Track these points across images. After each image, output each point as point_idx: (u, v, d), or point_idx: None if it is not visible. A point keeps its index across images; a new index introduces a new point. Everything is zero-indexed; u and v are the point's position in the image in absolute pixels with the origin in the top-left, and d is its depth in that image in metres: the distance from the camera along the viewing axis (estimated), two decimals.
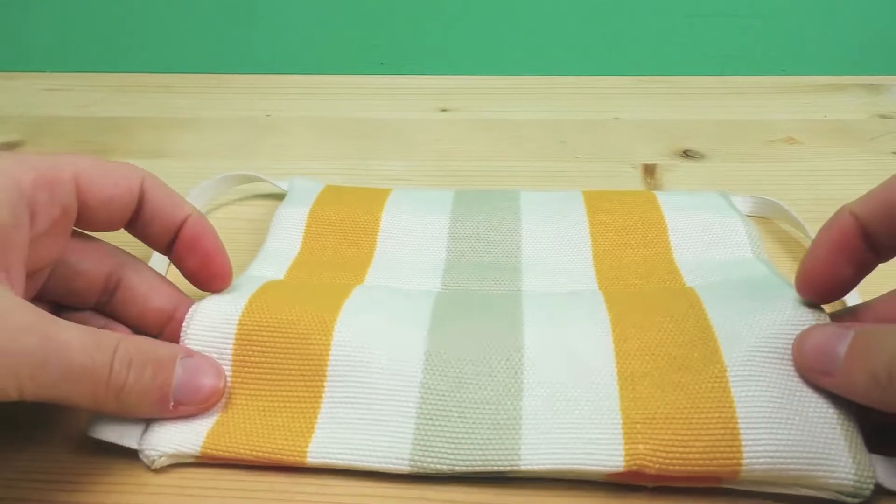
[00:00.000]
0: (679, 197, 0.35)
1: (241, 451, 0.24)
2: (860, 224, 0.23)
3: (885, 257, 0.24)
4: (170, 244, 0.27)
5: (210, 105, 0.49)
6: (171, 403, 0.23)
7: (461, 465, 0.23)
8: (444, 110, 0.48)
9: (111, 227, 0.26)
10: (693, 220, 0.33)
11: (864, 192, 0.38)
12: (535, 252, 0.32)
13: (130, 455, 0.24)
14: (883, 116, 0.46)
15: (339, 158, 0.43)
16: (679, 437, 0.22)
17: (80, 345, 0.21)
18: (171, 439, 0.24)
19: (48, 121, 0.47)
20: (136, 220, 0.26)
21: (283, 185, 0.37)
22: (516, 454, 0.23)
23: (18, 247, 0.22)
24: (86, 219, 0.25)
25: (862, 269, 0.24)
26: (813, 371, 0.23)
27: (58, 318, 0.21)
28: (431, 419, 0.24)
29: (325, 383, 0.25)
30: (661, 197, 0.35)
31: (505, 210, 0.34)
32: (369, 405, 0.24)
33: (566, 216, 0.34)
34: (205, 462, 0.24)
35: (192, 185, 0.37)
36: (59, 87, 0.51)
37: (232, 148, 0.44)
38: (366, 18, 0.51)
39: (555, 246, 0.32)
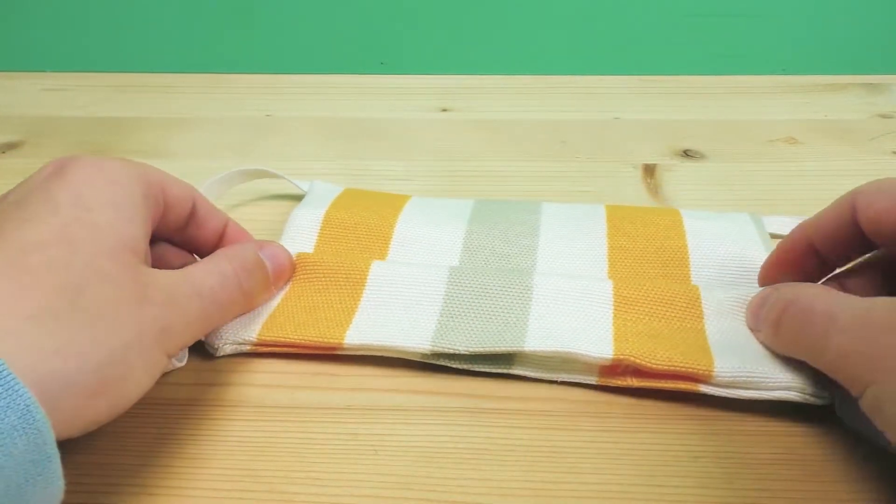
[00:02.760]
0: (706, 222, 0.33)
1: (290, 337, 0.28)
2: (809, 241, 0.27)
3: (829, 270, 0.28)
4: (214, 247, 0.30)
5: (210, 105, 0.49)
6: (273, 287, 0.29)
7: (475, 347, 0.27)
8: (444, 110, 0.48)
9: (174, 229, 0.28)
10: (717, 252, 0.32)
11: None
12: (549, 271, 0.31)
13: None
14: (883, 116, 0.46)
15: (339, 158, 0.43)
16: (661, 346, 0.26)
17: (219, 286, 0.25)
18: (232, 332, 0.28)
19: (48, 121, 0.47)
20: (188, 226, 0.29)
21: (304, 186, 0.37)
22: (522, 339, 0.27)
23: (147, 237, 0.25)
24: (161, 220, 0.27)
25: (808, 278, 0.28)
26: (751, 328, 0.28)
27: (189, 270, 0.25)
28: (452, 317, 0.28)
29: (363, 291, 0.29)
30: (687, 221, 0.33)
31: (524, 224, 0.33)
32: (399, 307, 0.29)
33: (585, 237, 0.33)
34: (260, 351, 0.28)
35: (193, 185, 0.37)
36: (59, 87, 0.51)
37: (232, 148, 0.44)
38: (366, 18, 0.51)
39: (569, 269, 0.31)
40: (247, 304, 0.28)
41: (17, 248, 0.20)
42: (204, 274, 0.25)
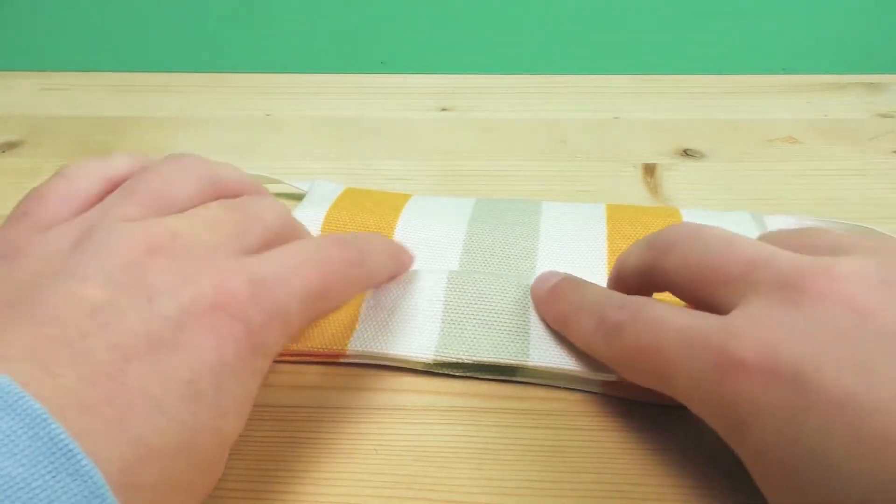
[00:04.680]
0: (707, 222, 0.33)
1: (292, 347, 0.28)
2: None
3: None
4: None
5: (210, 104, 0.49)
6: None
7: (478, 357, 0.27)
8: (444, 110, 0.48)
9: None
10: None
11: (864, 191, 0.38)
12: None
13: None
14: (883, 116, 0.46)
15: (339, 158, 0.43)
16: None
17: None
18: None
19: (48, 121, 0.47)
20: None
21: (304, 186, 0.37)
22: (525, 352, 0.27)
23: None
24: None
25: None
26: None
27: None
28: (454, 325, 0.28)
29: (363, 299, 0.29)
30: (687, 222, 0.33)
31: (523, 225, 0.33)
32: (400, 316, 0.29)
33: (585, 239, 0.33)
34: None
35: None
36: (59, 86, 0.51)
37: (232, 147, 0.44)
38: (366, 18, 0.51)
39: (569, 272, 0.31)
40: None
41: None
42: None
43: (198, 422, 0.17)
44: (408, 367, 0.28)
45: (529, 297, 0.29)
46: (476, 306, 0.29)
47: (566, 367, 0.26)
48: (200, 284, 0.18)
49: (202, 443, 0.17)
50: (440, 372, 0.28)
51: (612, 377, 0.26)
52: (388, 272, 0.27)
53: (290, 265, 0.21)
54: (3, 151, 0.44)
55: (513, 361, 0.27)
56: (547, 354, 0.27)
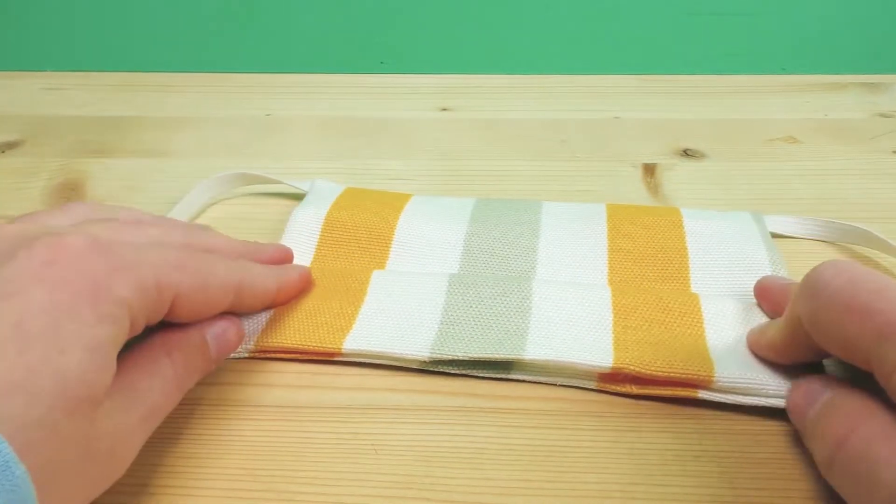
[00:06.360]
0: (706, 222, 0.33)
1: (288, 343, 0.28)
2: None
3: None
4: None
5: (210, 104, 0.49)
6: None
7: (474, 353, 0.27)
8: (444, 109, 0.48)
9: None
10: (717, 254, 0.32)
11: (864, 191, 0.38)
12: (548, 275, 0.31)
13: None
14: (883, 115, 0.46)
15: (339, 158, 0.43)
16: (661, 353, 0.26)
17: (159, 392, 0.23)
18: None
19: (48, 120, 0.47)
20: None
21: (304, 186, 0.37)
22: (522, 348, 0.27)
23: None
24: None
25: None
26: (793, 418, 0.25)
27: (133, 385, 0.22)
28: (452, 325, 0.28)
29: (364, 300, 0.29)
30: (687, 222, 0.33)
31: (524, 224, 0.33)
32: (399, 316, 0.29)
33: (586, 238, 0.33)
34: (257, 357, 0.28)
35: (192, 184, 0.37)
36: (59, 86, 0.51)
37: (232, 147, 0.44)
38: (366, 18, 0.51)
39: (569, 271, 0.32)
40: (182, 392, 0.25)
41: None
42: (146, 387, 0.22)
43: (29, 359, 0.18)
44: (404, 365, 0.28)
45: (532, 300, 0.29)
46: (476, 309, 0.29)
47: (561, 358, 0.26)
48: (34, 245, 0.20)
49: (42, 382, 0.18)
50: (436, 370, 0.28)
51: (606, 368, 0.26)
52: (247, 305, 0.28)
53: (139, 246, 0.23)
54: (3, 151, 0.44)
55: (508, 356, 0.27)
56: (543, 349, 0.27)
